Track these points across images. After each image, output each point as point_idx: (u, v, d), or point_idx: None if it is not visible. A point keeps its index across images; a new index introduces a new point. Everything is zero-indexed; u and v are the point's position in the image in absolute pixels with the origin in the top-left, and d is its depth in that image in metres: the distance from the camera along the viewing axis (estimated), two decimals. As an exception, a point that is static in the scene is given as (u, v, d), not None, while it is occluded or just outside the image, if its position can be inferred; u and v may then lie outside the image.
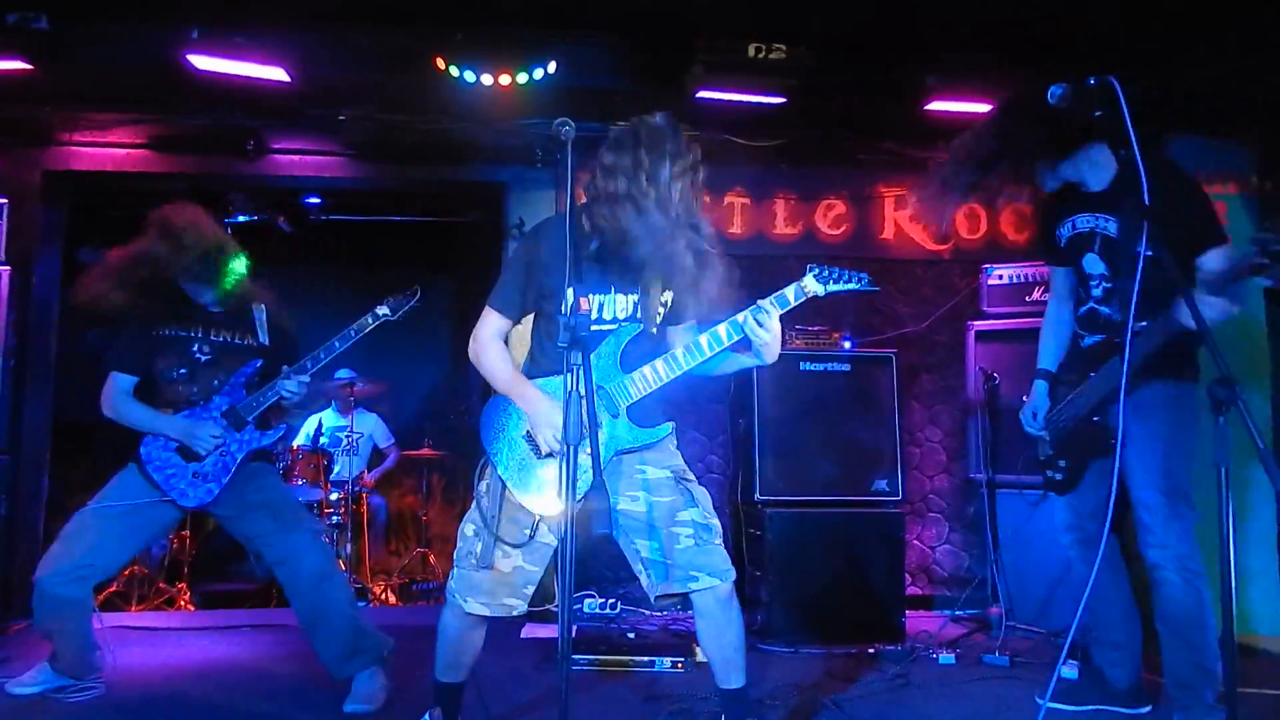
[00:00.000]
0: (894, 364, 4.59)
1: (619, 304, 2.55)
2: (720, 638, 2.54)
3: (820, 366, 4.53)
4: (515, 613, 2.58)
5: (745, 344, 2.52)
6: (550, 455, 2.48)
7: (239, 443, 3.32)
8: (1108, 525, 2.54)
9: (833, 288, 2.53)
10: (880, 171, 5.39)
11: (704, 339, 2.51)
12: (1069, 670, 3.48)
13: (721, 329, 2.50)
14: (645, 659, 3.77)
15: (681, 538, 2.50)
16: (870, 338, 5.12)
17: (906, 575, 4.69)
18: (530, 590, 2.60)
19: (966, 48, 4.37)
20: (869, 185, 5.41)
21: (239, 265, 3.40)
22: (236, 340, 3.44)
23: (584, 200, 2.54)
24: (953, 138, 3.50)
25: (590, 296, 2.51)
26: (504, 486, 2.53)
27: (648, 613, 4.91)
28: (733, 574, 2.53)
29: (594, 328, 2.50)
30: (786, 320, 4.94)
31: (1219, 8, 3.86)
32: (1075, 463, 3.20)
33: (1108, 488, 3.18)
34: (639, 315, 2.54)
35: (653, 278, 2.49)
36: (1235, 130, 4.82)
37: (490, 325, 2.61)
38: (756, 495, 4.39)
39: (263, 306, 3.48)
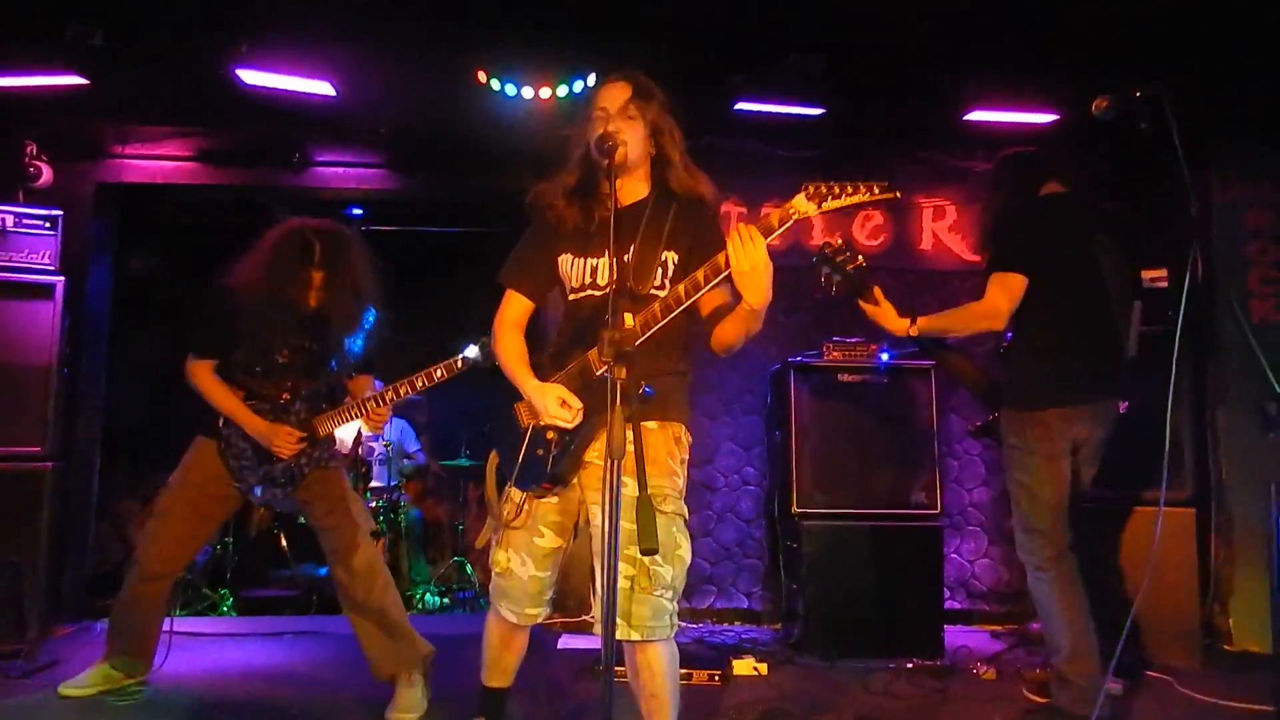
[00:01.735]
0: (932, 376, 4.56)
1: (609, 268, 2.42)
2: (640, 693, 2.34)
3: (858, 378, 4.51)
4: (539, 620, 2.55)
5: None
6: (529, 427, 2.40)
7: (309, 458, 3.36)
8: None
9: (831, 205, 2.09)
10: (918, 182, 5.36)
11: (682, 286, 2.23)
12: (1113, 687, 3.43)
13: (700, 272, 2.20)
14: (681, 671, 3.74)
15: (620, 575, 2.19)
16: (909, 349, 5.09)
17: (945, 589, 4.64)
18: (549, 596, 2.55)
19: (1006, 55, 4.34)
20: (907, 195, 5.38)
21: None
22: (316, 348, 3.39)
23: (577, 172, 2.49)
24: (991, 146, 3.56)
25: (584, 260, 2.46)
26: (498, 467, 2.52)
27: (683, 625, 4.90)
28: (661, 634, 2.28)
29: (588, 293, 2.44)
30: (824, 332, 5.00)
31: (1264, 10, 3.80)
32: None
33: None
34: (628, 276, 2.37)
35: (653, 236, 2.39)
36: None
37: (508, 307, 2.55)
38: (793, 508, 4.37)
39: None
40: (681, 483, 2.41)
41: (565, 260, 2.49)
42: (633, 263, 2.38)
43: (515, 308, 2.55)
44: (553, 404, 2.28)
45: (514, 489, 2.46)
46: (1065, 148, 4.23)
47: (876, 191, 2.09)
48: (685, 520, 2.37)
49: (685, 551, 2.33)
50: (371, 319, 3.41)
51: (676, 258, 2.41)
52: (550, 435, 2.37)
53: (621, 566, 2.17)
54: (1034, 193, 3.33)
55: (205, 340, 3.37)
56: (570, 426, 2.30)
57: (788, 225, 2.13)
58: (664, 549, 2.19)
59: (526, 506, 2.46)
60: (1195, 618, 4.16)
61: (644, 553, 1.86)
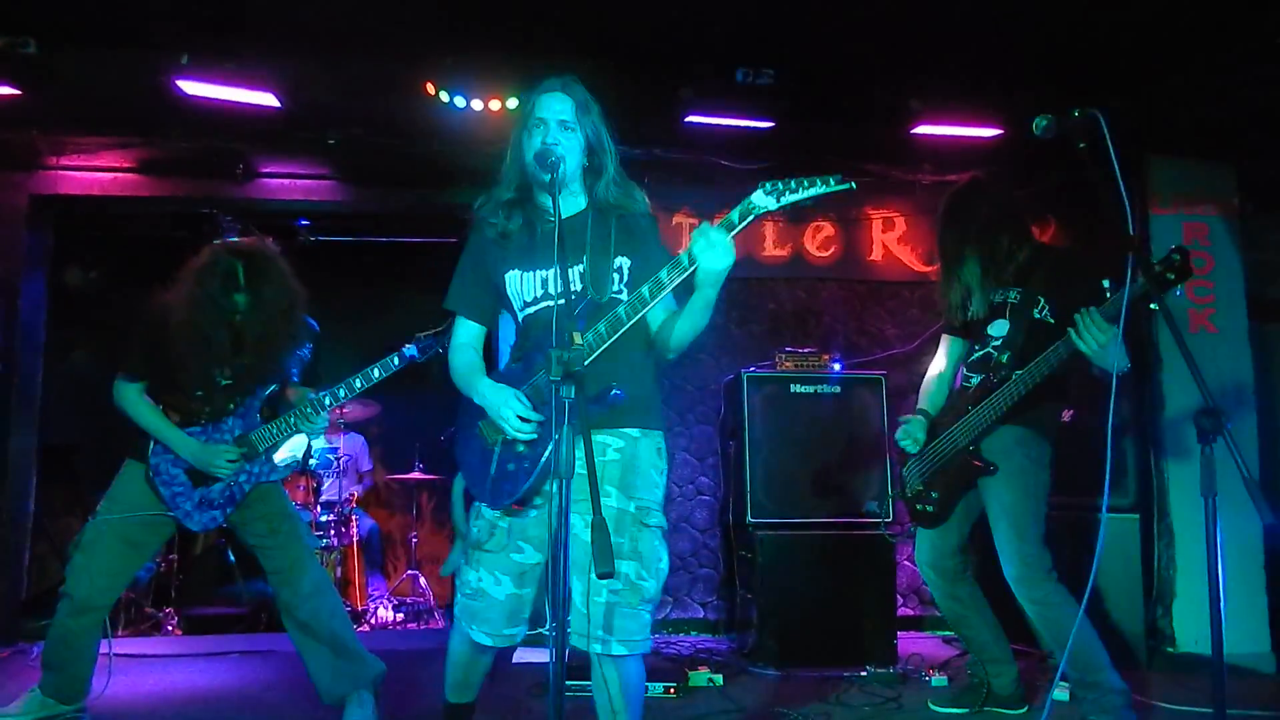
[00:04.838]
0: (883, 385, 4.61)
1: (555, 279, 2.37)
2: (605, 708, 2.28)
3: (810, 389, 4.55)
4: (516, 640, 2.46)
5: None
6: (497, 442, 2.33)
7: (249, 475, 3.26)
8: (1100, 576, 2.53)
9: (790, 199, 2.08)
10: (867, 194, 5.42)
11: (646, 286, 2.21)
12: (1060, 692, 3.48)
13: (663, 272, 2.19)
14: (637, 684, 3.74)
15: (605, 590, 2.21)
16: (859, 359, 5.14)
17: (898, 596, 4.69)
18: (526, 614, 2.46)
19: (950, 72, 4.41)
20: (856, 207, 5.44)
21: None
22: (252, 366, 3.29)
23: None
24: (938, 160, 3.59)
25: (534, 273, 2.39)
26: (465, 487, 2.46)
27: (639, 635, 4.89)
28: (643, 648, 2.26)
29: (545, 305, 2.36)
30: (776, 342, 5.02)
31: (1198, 30, 3.91)
32: (946, 495, 3.36)
33: (967, 526, 3.41)
34: (586, 285, 2.33)
35: (601, 245, 2.35)
36: (1216, 152, 4.88)
37: (458, 333, 2.52)
38: (747, 517, 4.39)
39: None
40: (662, 494, 2.37)
41: (513, 277, 2.42)
42: (590, 272, 2.33)
43: (464, 332, 2.51)
44: (510, 413, 2.23)
45: (484, 508, 2.40)
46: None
47: (832, 183, 2.09)
48: (665, 533, 2.34)
49: (665, 564, 2.31)
50: (305, 331, 3.37)
51: (629, 263, 2.39)
52: (521, 449, 2.29)
53: (607, 580, 2.12)
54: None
55: (135, 364, 3.28)
56: (528, 439, 2.25)
57: (749, 220, 2.11)
58: (646, 562, 2.25)
59: (501, 525, 2.39)
60: (1140, 621, 4.25)
61: (600, 577, 1.84)
